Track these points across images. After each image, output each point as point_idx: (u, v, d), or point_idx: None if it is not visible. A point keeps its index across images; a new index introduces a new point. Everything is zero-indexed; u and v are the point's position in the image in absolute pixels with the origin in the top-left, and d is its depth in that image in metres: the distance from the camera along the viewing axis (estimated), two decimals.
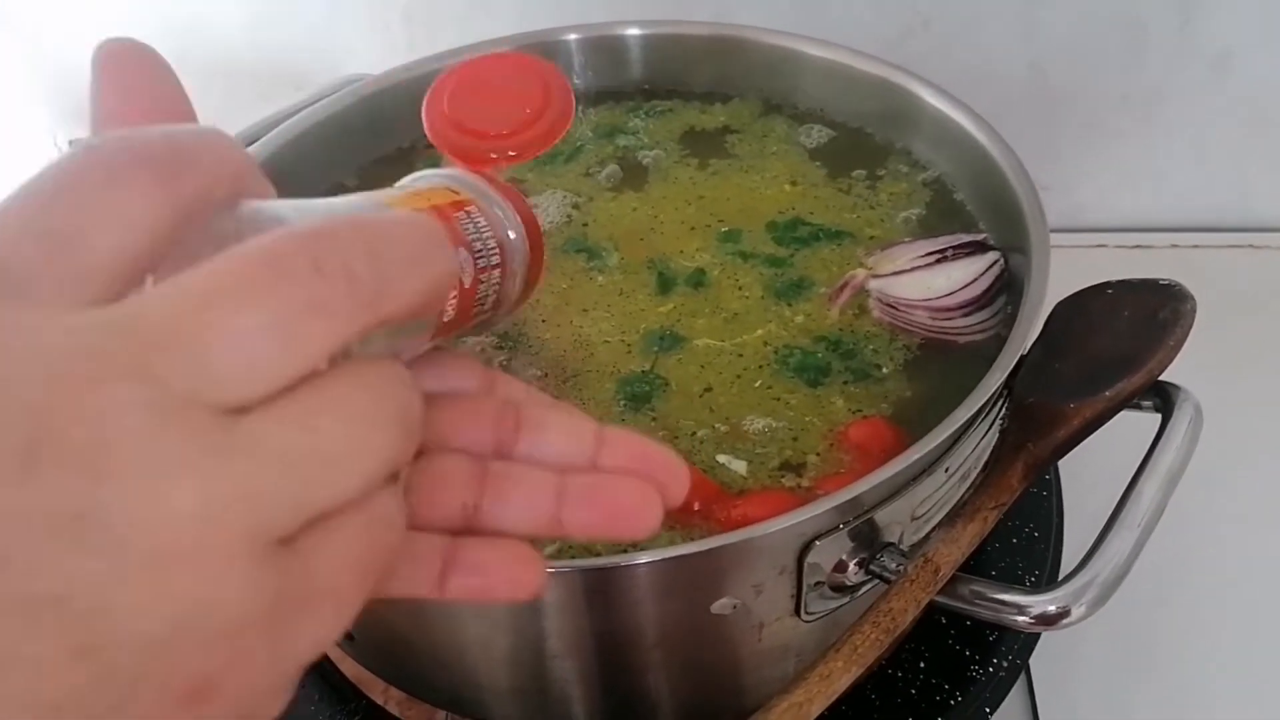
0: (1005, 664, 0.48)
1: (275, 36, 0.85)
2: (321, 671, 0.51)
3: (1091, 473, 0.50)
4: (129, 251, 0.19)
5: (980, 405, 0.39)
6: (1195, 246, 0.81)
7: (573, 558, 0.40)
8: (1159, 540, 0.50)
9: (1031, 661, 0.52)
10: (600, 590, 0.38)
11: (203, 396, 0.17)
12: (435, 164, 0.64)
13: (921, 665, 0.48)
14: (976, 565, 0.52)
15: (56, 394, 0.16)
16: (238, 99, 0.88)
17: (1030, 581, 0.52)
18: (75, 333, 0.17)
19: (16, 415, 0.16)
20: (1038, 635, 0.50)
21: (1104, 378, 0.42)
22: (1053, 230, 0.82)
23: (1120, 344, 0.43)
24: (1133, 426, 0.44)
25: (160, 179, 0.19)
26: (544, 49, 0.65)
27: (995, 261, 0.49)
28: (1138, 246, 0.82)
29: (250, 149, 0.58)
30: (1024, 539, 0.53)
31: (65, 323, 0.17)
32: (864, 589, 0.41)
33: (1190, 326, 0.43)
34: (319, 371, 0.18)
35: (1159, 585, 0.56)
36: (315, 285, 0.18)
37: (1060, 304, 0.48)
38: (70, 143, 0.79)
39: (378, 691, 0.51)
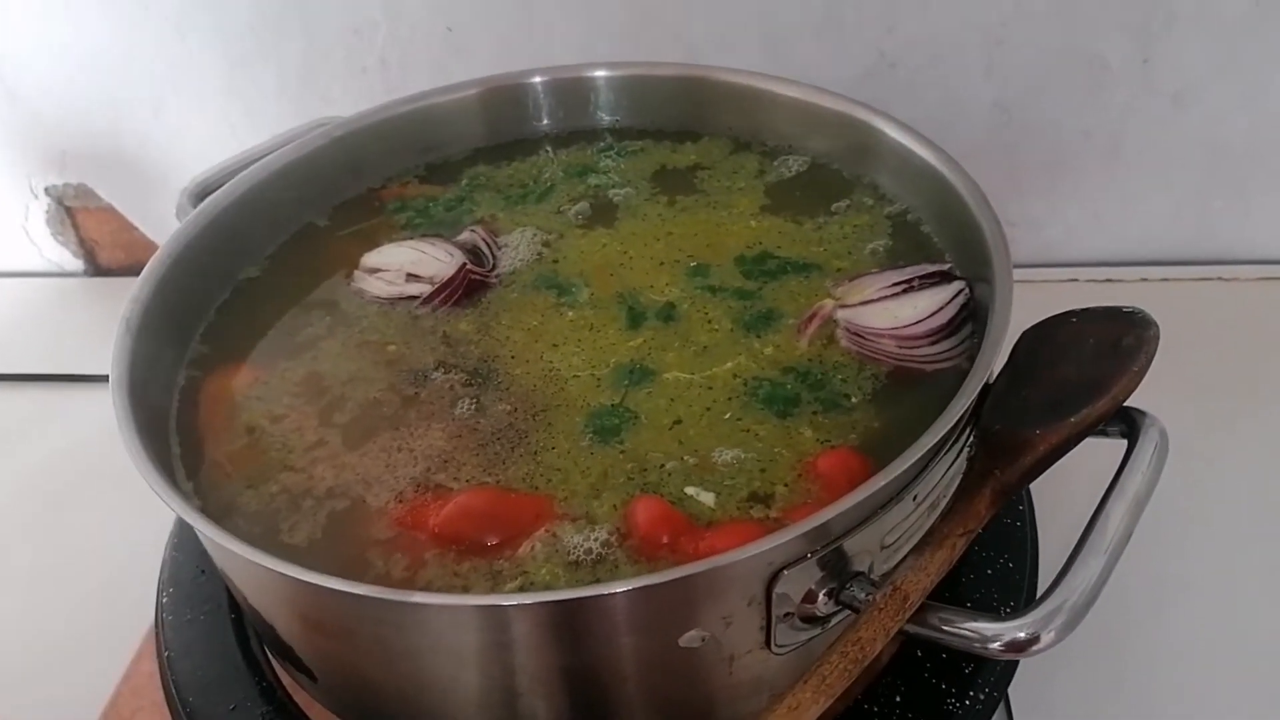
0: (982, 696, 0.47)
1: (253, 81, 0.85)
2: (288, 715, 0.50)
3: (1065, 502, 0.50)
4: None
5: (945, 432, 0.39)
6: (1164, 280, 0.82)
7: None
8: (1134, 565, 0.50)
9: (1011, 691, 0.52)
10: (565, 623, 0.37)
11: None
12: (404, 207, 0.65)
13: (897, 699, 0.47)
14: (952, 597, 0.52)
15: None
16: (214, 142, 0.89)
17: (1006, 611, 0.51)
18: None
19: None
20: (1014, 667, 0.49)
21: (1069, 404, 0.42)
22: (1024, 266, 0.84)
23: (1085, 371, 0.44)
24: (1104, 454, 0.44)
25: None
26: (510, 91, 0.66)
27: (960, 291, 0.50)
28: (1108, 280, 0.83)
29: (220, 191, 0.59)
30: (999, 570, 0.53)
31: None
32: (835, 620, 0.40)
33: (1154, 352, 0.43)
34: None
35: (1136, 610, 0.56)
36: None
37: (1026, 333, 0.48)
38: (47, 189, 0.79)
39: None
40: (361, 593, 0.36)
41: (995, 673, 0.48)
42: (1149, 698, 0.53)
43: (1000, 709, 0.53)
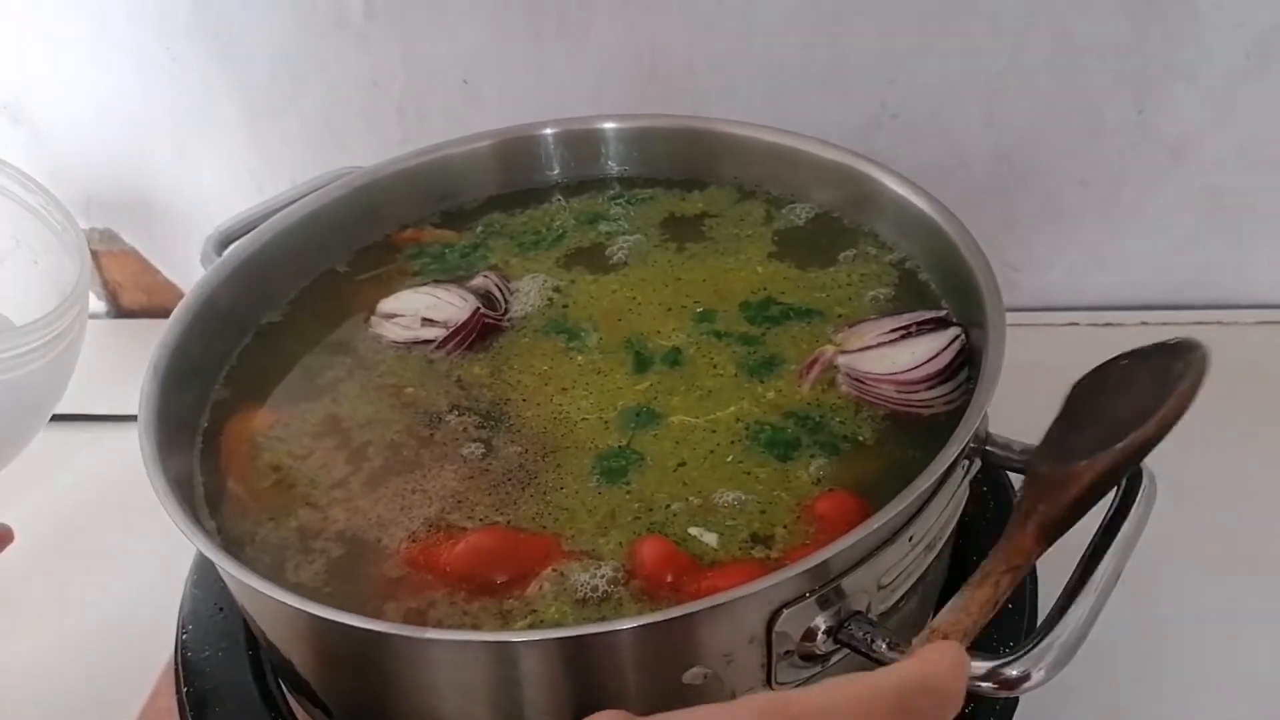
0: None
1: (274, 130, 0.88)
2: None
3: (1063, 544, 0.51)
4: None
5: (939, 475, 0.41)
6: (1163, 324, 0.84)
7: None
8: (1132, 604, 0.51)
9: None
10: (574, 660, 0.39)
11: None
12: (420, 253, 0.67)
13: None
14: None
15: None
16: (234, 188, 0.92)
17: (1005, 652, 0.52)
18: None
19: None
20: (1014, 705, 0.50)
21: (1117, 436, 0.41)
22: (1025, 310, 0.86)
23: (1135, 405, 0.42)
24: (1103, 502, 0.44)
25: None
26: (524, 143, 0.69)
27: (957, 337, 0.51)
28: (1108, 325, 0.84)
29: (244, 239, 0.61)
30: (999, 610, 0.54)
31: None
32: (835, 658, 0.42)
33: (1202, 372, 0.41)
34: None
35: (1133, 646, 0.57)
36: None
37: (1079, 383, 0.47)
38: None
39: None
40: (381, 630, 0.38)
41: (994, 711, 0.49)
42: None
43: None
